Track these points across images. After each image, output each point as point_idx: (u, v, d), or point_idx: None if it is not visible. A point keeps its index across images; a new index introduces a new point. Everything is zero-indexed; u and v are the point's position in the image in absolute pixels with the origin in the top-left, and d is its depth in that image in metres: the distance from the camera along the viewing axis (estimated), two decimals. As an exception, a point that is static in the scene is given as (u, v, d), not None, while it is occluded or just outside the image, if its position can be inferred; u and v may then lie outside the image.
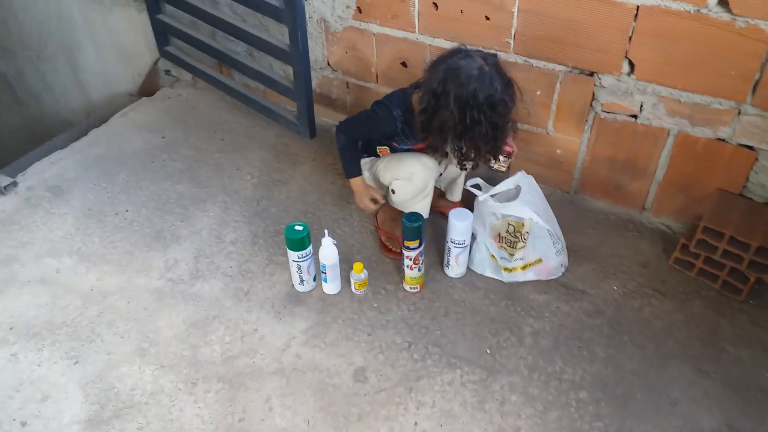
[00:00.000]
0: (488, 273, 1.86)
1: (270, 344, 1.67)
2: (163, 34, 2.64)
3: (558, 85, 1.94)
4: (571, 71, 1.90)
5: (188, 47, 2.58)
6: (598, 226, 2.05)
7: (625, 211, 2.09)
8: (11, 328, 1.72)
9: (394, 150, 1.85)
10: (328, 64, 2.38)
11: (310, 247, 1.74)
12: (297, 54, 2.10)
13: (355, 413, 1.51)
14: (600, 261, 1.92)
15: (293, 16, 2.00)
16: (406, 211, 1.77)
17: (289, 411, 1.51)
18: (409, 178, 1.77)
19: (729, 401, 1.53)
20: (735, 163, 1.81)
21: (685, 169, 1.90)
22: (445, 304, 1.78)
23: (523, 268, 1.82)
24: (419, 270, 1.76)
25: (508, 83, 1.57)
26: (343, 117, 1.91)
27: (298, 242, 1.69)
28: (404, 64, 2.18)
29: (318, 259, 1.75)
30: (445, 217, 1.79)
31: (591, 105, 1.93)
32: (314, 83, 2.42)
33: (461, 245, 1.77)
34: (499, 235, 1.80)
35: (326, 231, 1.74)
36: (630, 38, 1.74)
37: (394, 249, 1.92)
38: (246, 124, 2.55)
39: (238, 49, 2.51)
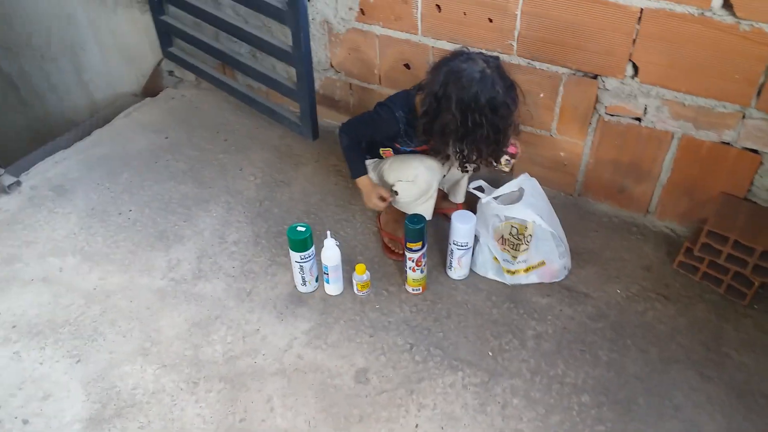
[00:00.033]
0: (491, 275, 1.85)
1: (272, 345, 1.67)
2: (166, 34, 2.65)
3: (561, 88, 1.94)
4: (574, 74, 1.89)
5: (191, 48, 2.59)
6: (602, 229, 2.04)
7: (629, 214, 2.08)
8: (14, 327, 1.72)
9: (397, 152, 1.85)
10: (331, 65, 2.38)
11: (313, 248, 1.74)
12: (300, 55, 2.11)
13: (356, 414, 1.51)
14: (603, 264, 1.91)
15: (296, 17, 2.00)
16: (410, 212, 1.77)
17: (291, 411, 1.51)
18: (413, 180, 1.77)
19: (732, 407, 1.52)
20: (739, 167, 1.80)
21: (690, 172, 1.89)
22: (447, 306, 1.78)
23: (526, 270, 1.82)
24: (422, 272, 1.76)
25: (510, 86, 1.57)
26: (346, 118, 1.91)
27: (301, 243, 1.69)
28: (407, 66, 2.18)
29: (320, 260, 1.75)
30: (448, 218, 1.79)
31: (594, 108, 1.92)
32: (317, 84, 2.42)
33: (464, 247, 1.76)
34: (502, 237, 1.80)
35: (329, 232, 1.74)
36: (634, 41, 1.73)
37: (396, 250, 1.92)
38: (249, 125, 2.55)
39: (241, 51, 2.51)
